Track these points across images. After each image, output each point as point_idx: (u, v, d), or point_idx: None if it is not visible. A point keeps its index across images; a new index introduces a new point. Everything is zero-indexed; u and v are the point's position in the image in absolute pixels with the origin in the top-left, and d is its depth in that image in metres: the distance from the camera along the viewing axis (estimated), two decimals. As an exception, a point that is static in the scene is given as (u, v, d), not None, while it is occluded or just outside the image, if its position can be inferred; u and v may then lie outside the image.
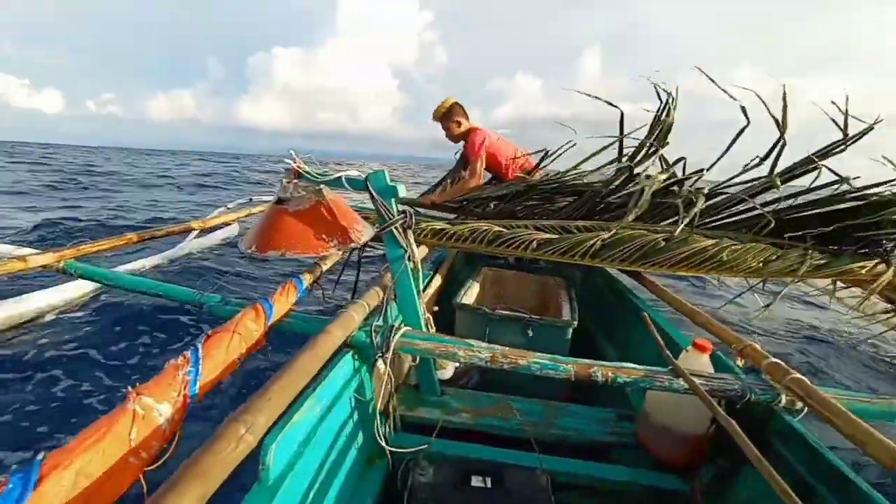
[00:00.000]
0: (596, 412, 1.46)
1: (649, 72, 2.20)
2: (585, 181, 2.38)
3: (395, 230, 1.36)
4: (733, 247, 1.97)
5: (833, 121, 1.84)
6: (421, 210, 2.90)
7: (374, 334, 1.18)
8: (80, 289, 2.36)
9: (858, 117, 1.82)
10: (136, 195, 11.85)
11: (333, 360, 1.17)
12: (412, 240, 1.41)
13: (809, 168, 1.91)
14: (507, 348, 1.14)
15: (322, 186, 1.46)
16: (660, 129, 2.20)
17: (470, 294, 2.17)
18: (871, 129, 1.79)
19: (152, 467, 0.69)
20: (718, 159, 2.01)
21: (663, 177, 2.14)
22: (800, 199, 2.01)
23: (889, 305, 2.06)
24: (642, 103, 2.27)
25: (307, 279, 1.49)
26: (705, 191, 2.05)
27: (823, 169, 1.86)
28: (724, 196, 2.11)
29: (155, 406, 0.71)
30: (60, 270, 1.37)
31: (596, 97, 2.44)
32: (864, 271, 1.85)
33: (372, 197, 1.34)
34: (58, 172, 16.94)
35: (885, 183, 1.82)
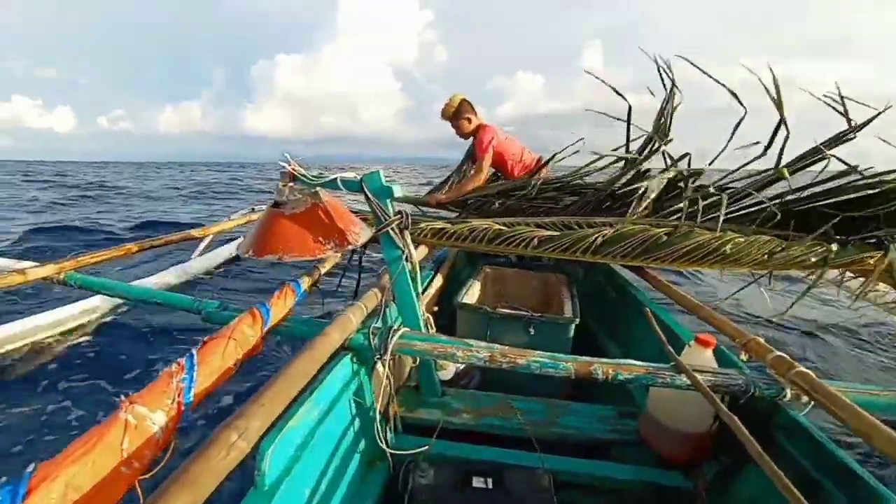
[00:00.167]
0: (598, 410, 1.45)
1: (650, 65, 2.18)
2: (591, 179, 2.36)
3: (391, 231, 1.35)
4: (737, 239, 1.94)
5: (839, 110, 1.80)
6: (427, 209, 2.91)
7: (371, 336, 1.17)
8: (83, 307, 2.36)
9: (866, 103, 1.78)
10: (143, 206, 12.03)
11: (331, 364, 1.17)
12: (409, 240, 1.41)
13: (818, 158, 1.87)
14: (506, 347, 1.13)
15: (318, 189, 1.46)
16: (663, 121, 2.17)
17: (471, 293, 2.16)
18: (879, 114, 1.75)
19: (146, 476, 0.69)
20: (720, 153, 1.98)
21: (669, 174, 2.12)
22: (807, 191, 1.98)
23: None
24: (644, 96, 2.25)
25: (305, 283, 1.48)
26: (710, 188, 2.03)
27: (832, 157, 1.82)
28: (730, 190, 2.08)
29: (148, 415, 0.71)
30: (61, 282, 1.37)
31: (602, 81, 2.41)
32: (872, 261, 1.82)
33: (367, 198, 1.33)
34: (71, 188, 17.20)
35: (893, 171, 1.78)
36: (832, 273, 2.10)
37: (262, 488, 0.82)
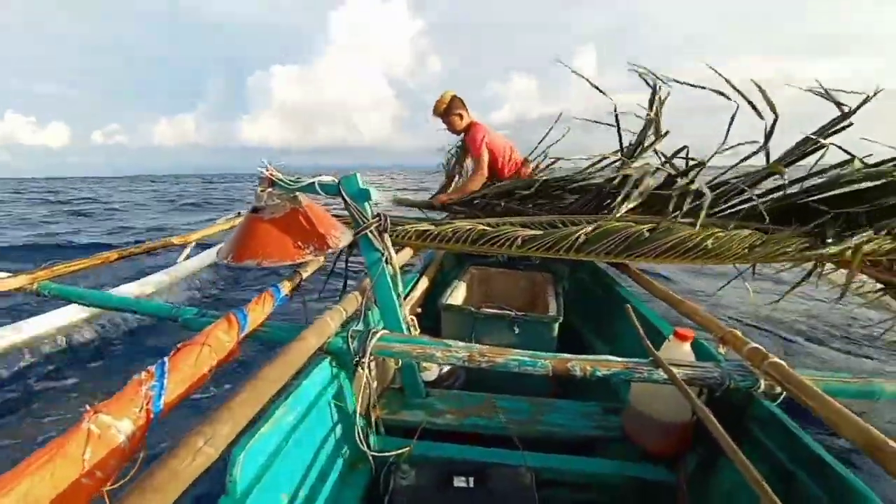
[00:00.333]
0: (582, 407, 1.45)
1: (644, 65, 2.21)
2: (591, 178, 2.38)
3: (370, 233, 1.35)
4: (718, 234, 1.97)
5: (834, 100, 1.80)
6: (426, 212, 2.92)
7: (350, 339, 1.17)
8: (57, 317, 2.31)
9: (857, 91, 1.80)
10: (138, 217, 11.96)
11: (309, 368, 1.16)
12: (389, 243, 1.40)
13: (813, 148, 1.89)
14: (485, 347, 1.13)
15: (298, 193, 1.46)
16: (654, 121, 2.19)
17: (456, 294, 2.16)
18: (868, 100, 1.77)
19: (112, 487, 0.68)
20: (717, 151, 2.00)
21: (661, 174, 2.14)
22: (796, 186, 2.00)
23: (878, 284, 2.05)
24: (641, 94, 2.28)
25: (286, 287, 1.47)
26: (704, 184, 2.04)
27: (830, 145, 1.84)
28: (722, 186, 2.09)
29: (113, 423, 0.70)
30: (34, 292, 1.35)
31: (588, 81, 2.44)
32: (847, 252, 1.85)
33: (345, 201, 1.33)
34: (63, 204, 17.04)
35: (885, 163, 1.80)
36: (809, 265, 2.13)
37: (234, 494, 0.81)
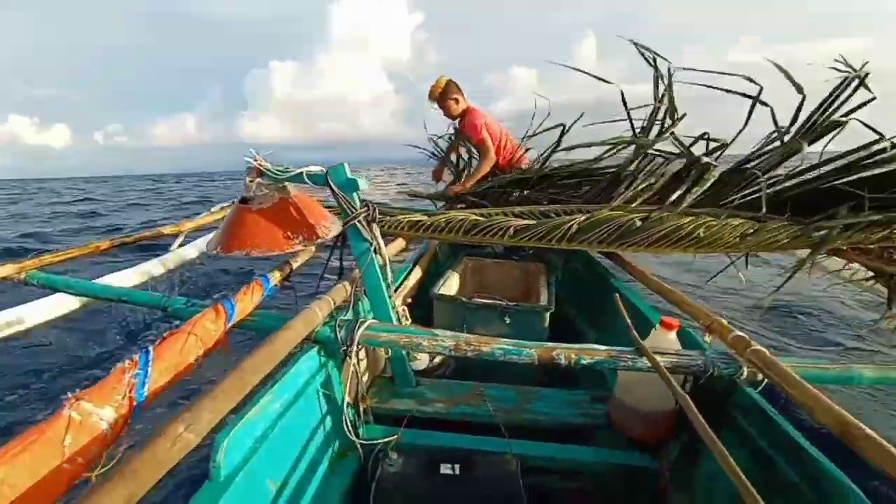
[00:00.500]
0: (569, 395, 1.46)
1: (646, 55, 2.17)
2: (604, 166, 2.36)
3: (358, 223, 1.35)
4: (710, 223, 1.96)
5: (859, 76, 1.76)
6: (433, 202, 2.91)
7: (338, 329, 1.17)
8: (45, 306, 2.31)
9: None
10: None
11: (296, 356, 1.17)
12: (378, 233, 1.40)
13: (827, 127, 1.85)
14: (471, 336, 1.14)
15: (287, 184, 1.45)
16: (670, 104, 2.15)
17: (449, 284, 2.17)
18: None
19: (93, 473, 0.68)
20: (736, 136, 1.97)
21: (675, 166, 2.12)
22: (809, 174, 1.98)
23: (869, 272, 2.06)
24: (637, 85, 2.25)
25: (275, 277, 1.48)
26: (716, 170, 2.02)
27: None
28: (737, 175, 2.06)
29: (95, 411, 0.70)
30: (22, 282, 1.36)
31: (588, 73, 2.40)
32: (840, 239, 1.85)
33: (332, 191, 1.33)
34: (66, 205, 17.01)
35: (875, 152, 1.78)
36: (803, 254, 2.13)
37: (218, 479, 0.82)
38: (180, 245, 2.16)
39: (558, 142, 2.71)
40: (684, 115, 2.17)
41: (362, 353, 1.47)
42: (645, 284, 1.75)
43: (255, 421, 0.94)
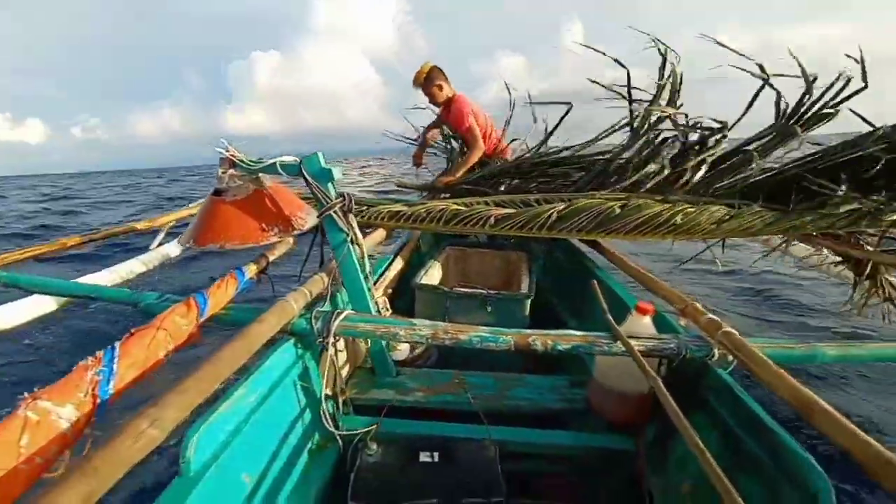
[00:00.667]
0: (549, 381, 1.48)
1: (633, 41, 2.15)
2: (597, 153, 2.34)
3: (334, 214, 1.33)
4: (687, 210, 1.99)
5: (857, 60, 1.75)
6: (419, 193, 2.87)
7: (314, 320, 1.16)
8: (10, 307, 2.22)
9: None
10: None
11: (272, 349, 1.15)
12: (354, 223, 1.39)
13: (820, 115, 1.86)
14: (448, 324, 1.14)
15: (262, 175, 1.42)
16: (671, 90, 2.13)
17: (431, 274, 2.16)
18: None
19: (55, 473, 0.67)
20: (737, 121, 1.98)
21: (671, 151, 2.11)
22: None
23: (837, 258, 2.12)
24: (623, 71, 2.22)
25: (251, 270, 1.45)
26: (714, 155, 2.02)
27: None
28: (730, 161, 2.07)
29: (54, 409, 0.68)
30: (-16, 280, 1.31)
31: (596, 50, 2.36)
32: (810, 225, 1.89)
33: (307, 181, 1.30)
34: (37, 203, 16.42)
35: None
36: (775, 241, 2.18)
37: (188, 475, 0.81)
38: (161, 242, 2.11)
39: (550, 132, 2.71)
40: (681, 104, 2.16)
41: (341, 345, 1.46)
42: (624, 270, 1.77)
43: (228, 415, 0.93)
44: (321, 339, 1.15)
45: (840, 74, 1.74)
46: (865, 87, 1.74)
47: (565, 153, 2.45)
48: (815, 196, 1.90)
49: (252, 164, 1.36)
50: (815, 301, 3.75)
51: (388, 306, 1.65)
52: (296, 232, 1.42)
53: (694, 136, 2.12)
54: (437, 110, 3.00)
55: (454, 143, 3.33)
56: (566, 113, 2.53)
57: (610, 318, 1.15)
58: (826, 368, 2.57)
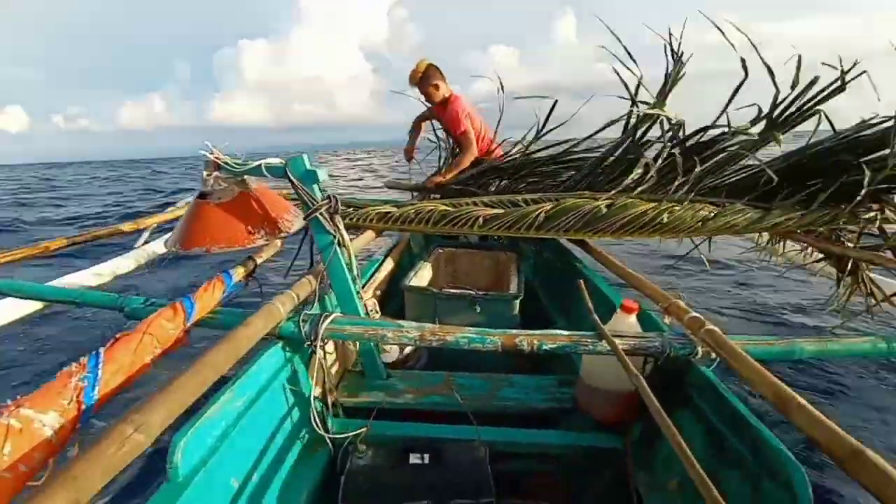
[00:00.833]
0: (537, 381, 1.49)
1: (625, 35, 2.14)
2: (585, 153, 2.34)
3: (320, 216, 1.33)
4: (673, 208, 2.02)
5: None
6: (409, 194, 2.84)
7: (302, 323, 1.16)
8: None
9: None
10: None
11: (260, 353, 1.15)
12: (341, 225, 1.39)
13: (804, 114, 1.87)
14: (436, 326, 1.15)
15: (247, 177, 1.42)
16: (668, 86, 2.13)
17: (421, 276, 2.17)
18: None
19: (39, 481, 0.66)
20: (717, 118, 1.99)
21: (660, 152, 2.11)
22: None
23: (821, 255, 2.16)
24: (617, 65, 2.21)
25: (238, 274, 1.44)
26: (703, 154, 2.03)
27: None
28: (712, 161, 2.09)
29: (36, 416, 0.68)
30: (-38, 286, 1.28)
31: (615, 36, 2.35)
32: (792, 223, 1.93)
33: (292, 183, 1.30)
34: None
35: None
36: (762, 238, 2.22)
37: (176, 480, 0.81)
38: (145, 242, 2.08)
39: (541, 129, 2.67)
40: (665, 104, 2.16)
41: (331, 348, 1.46)
42: (610, 269, 1.79)
43: (216, 419, 0.92)
44: (309, 343, 1.15)
45: (816, 77, 1.77)
46: (843, 89, 1.78)
47: (554, 149, 2.45)
48: (797, 194, 1.95)
49: (237, 166, 1.35)
50: (798, 298, 3.82)
51: (378, 308, 1.65)
52: (282, 234, 1.42)
53: (680, 135, 2.14)
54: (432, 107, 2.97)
55: (447, 141, 3.31)
56: (551, 110, 2.53)
57: (595, 317, 1.16)
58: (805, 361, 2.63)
